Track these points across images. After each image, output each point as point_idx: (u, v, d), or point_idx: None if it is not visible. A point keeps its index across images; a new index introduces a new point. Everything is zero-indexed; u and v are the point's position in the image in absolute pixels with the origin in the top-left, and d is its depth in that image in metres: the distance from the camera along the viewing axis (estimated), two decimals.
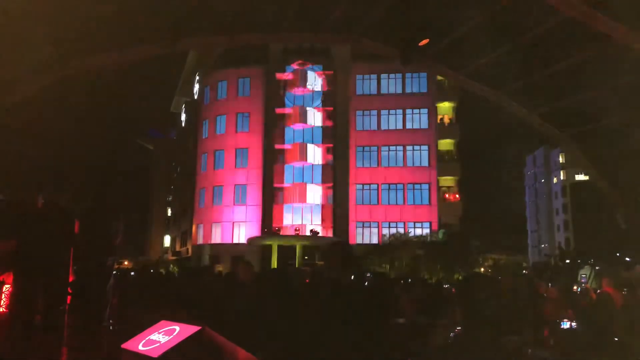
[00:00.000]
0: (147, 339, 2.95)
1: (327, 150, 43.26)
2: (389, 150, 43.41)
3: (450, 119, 45.53)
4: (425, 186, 42.65)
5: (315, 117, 43.62)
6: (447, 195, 44.09)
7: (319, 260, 33.11)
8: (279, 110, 43.48)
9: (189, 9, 8.53)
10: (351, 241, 39.96)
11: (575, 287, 17.57)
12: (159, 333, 2.93)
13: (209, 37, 10.18)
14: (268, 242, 39.39)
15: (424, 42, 9.22)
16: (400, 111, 43.64)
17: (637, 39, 7.74)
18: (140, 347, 2.88)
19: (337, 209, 42.20)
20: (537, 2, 7.85)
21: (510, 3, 8.37)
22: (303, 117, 42.98)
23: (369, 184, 43.14)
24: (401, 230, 39.29)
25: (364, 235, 42.05)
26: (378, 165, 43.39)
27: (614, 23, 7.66)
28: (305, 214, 42.43)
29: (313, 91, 43.73)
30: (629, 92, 9.29)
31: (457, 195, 44.74)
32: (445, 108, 45.36)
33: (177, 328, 2.89)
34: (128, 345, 2.99)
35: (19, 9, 6.44)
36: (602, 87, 9.61)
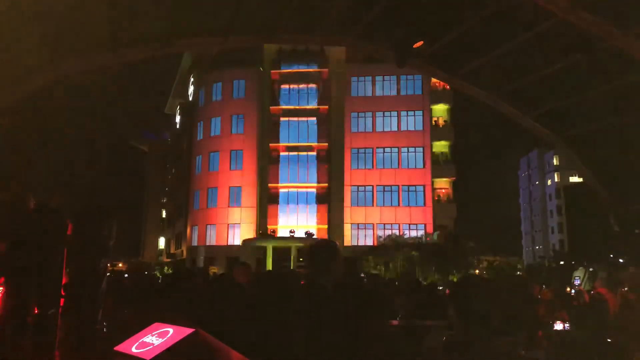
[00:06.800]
0: (140, 341, 2.93)
1: (321, 151, 43.29)
2: (384, 152, 43.50)
3: (445, 121, 45.69)
4: (420, 188, 42.77)
5: (310, 119, 43.67)
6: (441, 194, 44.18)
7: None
8: (273, 110, 43.47)
9: (183, 10, 8.52)
10: (346, 243, 39.99)
11: (568, 289, 17.65)
12: (152, 335, 2.91)
13: (203, 39, 10.17)
14: (263, 244, 39.36)
15: (419, 44, 9.23)
16: (395, 113, 43.74)
17: (631, 43, 7.79)
18: (134, 350, 2.87)
19: (332, 211, 42.21)
20: (530, 5, 7.90)
21: (505, 6, 8.42)
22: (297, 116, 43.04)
23: (364, 186, 43.19)
24: (396, 232, 39.35)
25: (359, 237, 42.09)
26: (373, 167, 43.46)
27: (607, 26, 7.71)
28: (300, 216, 42.43)
29: (308, 92, 43.79)
30: (623, 94, 9.35)
31: (451, 197, 44.88)
32: (440, 110, 45.53)
33: (171, 330, 2.87)
34: (121, 347, 2.97)
35: (12, 9, 6.42)
36: (596, 89, 9.67)
